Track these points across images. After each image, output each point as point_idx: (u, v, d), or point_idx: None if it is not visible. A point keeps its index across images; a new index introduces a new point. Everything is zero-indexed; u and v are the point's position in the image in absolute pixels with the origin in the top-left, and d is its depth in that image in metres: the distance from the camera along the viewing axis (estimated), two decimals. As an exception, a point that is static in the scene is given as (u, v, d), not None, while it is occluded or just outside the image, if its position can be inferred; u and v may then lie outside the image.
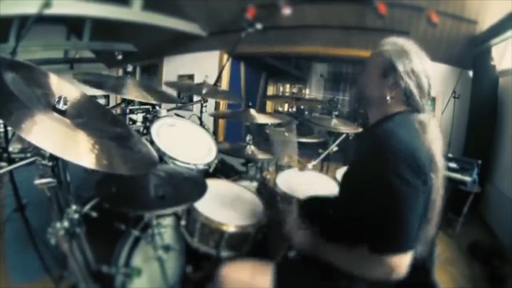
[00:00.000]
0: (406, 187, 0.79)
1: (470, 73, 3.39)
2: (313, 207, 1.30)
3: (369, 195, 0.85)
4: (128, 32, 4.39)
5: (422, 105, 0.93)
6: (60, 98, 0.87)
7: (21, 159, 1.15)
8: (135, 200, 1.09)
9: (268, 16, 3.53)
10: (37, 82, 0.94)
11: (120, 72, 5.44)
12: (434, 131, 0.91)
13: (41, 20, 2.23)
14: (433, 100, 3.66)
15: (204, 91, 2.02)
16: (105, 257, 1.17)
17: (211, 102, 2.44)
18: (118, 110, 2.05)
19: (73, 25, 4.40)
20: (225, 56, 4.62)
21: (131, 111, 2.11)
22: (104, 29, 4.10)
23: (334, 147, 2.24)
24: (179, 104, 2.18)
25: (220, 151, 1.75)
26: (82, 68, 5.31)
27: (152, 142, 1.45)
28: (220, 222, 1.21)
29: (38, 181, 0.92)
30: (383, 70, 0.95)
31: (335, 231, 0.97)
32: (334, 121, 2.25)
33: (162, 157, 1.41)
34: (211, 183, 1.29)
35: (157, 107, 1.80)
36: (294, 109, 3.12)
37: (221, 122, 4.96)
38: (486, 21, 2.97)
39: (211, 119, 2.65)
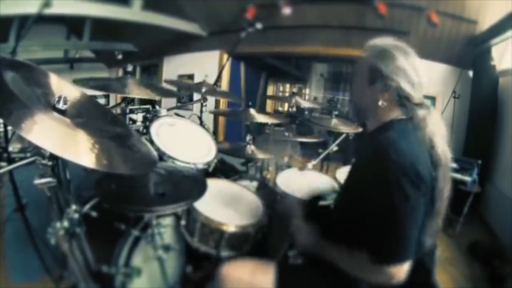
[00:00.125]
0: (406, 201, 0.79)
1: (470, 73, 3.39)
2: (317, 210, 1.30)
3: (369, 207, 0.85)
4: (128, 32, 4.39)
5: (417, 99, 0.92)
6: (60, 97, 0.87)
7: (21, 158, 1.15)
8: (135, 198, 1.09)
9: (268, 16, 3.53)
10: (37, 81, 0.94)
11: (120, 72, 5.45)
12: (435, 123, 0.90)
13: (41, 20, 2.24)
14: (433, 100, 3.66)
15: (203, 90, 2.02)
16: (105, 257, 1.17)
17: (211, 102, 2.44)
18: (118, 110, 2.05)
19: (73, 25, 4.40)
20: (225, 56, 4.62)
21: (131, 111, 2.11)
22: (104, 29, 4.11)
23: (334, 147, 2.24)
24: (179, 104, 2.18)
25: (220, 151, 1.75)
26: (82, 68, 5.31)
27: (151, 142, 1.45)
28: (220, 222, 1.21)
29: (38, 181, 0.92)
30: (369, 77, 0.94)
31: (337, 235, 0.97)
32: (334, 121, 2.25)
33: (162, 156, 1.41)
34: (211, 182, 1.29)
35: (157, 107, 1.80)
36: (294, 109, 3.12)
37: (221, 122, 4.96)
38: (486, 21, 2.97)
39: (211, 118, 2.65)
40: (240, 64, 5.35)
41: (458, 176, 2.55)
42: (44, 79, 0.98)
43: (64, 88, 1.02)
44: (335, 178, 1.81)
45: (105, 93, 5.18)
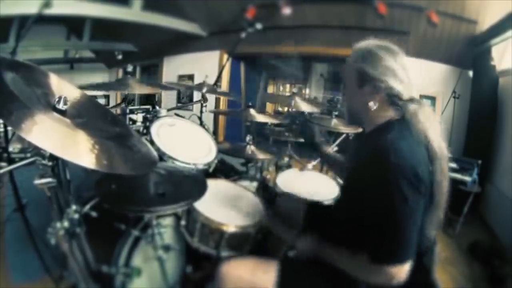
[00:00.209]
0: (405, 203, 0.79)
1: (470, 73, 3.39)
2: (315, 215, 1.30)
3: (368, 207, 0.85)
4: (128, 32, 4.39)
5: (408, 96, 0.92)
6: (60, 98, 0.87)
7: (21, 159, 1.15)
8: (135, 198, 1.09)
9: (268, 16, 3.53)
10: (37, 82, 0.94)
11: (120, 72, 5.45)
12: (428, 117, 0.90)
13: (41, 20, 2.23)
14: (433, 100, 3.67)
15: (204, 90, 2.02)
16: (105, 257, 1.17)
17: (211, 102, 2.44)
18: (118, 110, 2.05)
19: (73, 25, 4.40)
20: (225, 56, 4.62)
21: (131, 111, 2.11)
22: (104, 29, 4.11)
23: (334, 147, 2.24)
24: (179, 104, 2.18)
25: (220, 151, 1.75)
26: (82, 69, 5.32)
27: (152, 142, 1.45)
28: (220, 222, 1.21)
29: (38, 181, 0.92)
30: (357, 81, 0.95)
31: (337, 236, 0.98)
32: (334, 121, 2.25)
33: (162, 156, 1.41)
34: (211, 183, 1.29)
35: (157, 107, 1.80)
36: (294, 109, 3.11)
37: (221, 122, 4.96)
38: (486, 21, 2.97)
39: (211, 119, 2.64)
40: (240, 64, 5.35)
41: (458, 176, 2.55)
42: (44, 79, 0.98)
43: (64, 88, 1.02)
44: (335, 178, 1.81)
45: (106, 93, 5.20)
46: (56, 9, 2.42)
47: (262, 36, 3.38)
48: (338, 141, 2.26)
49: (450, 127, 3.36)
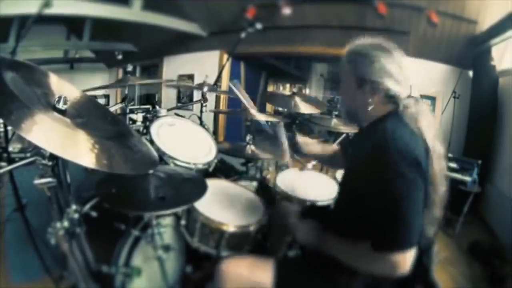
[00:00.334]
0: (404, 181, 0.79)
1: (470, 73, 3.39)
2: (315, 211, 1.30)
3: (368, 194, 0.85)
4: (128, 32, 4.39)
5: (402, 95, 0.92)
6: (60, 97, 0.87)
7: (21, 159, 1.16)
8: (135, 201, 1.09)
9: (268, 16, 3.54)
10: (37, 82, 0.94)
11: (120, 72, 5.45)
12: (426, 118, 0.90)
13: (41, 20, 2.23)
14: (433, 100, 3.67)
15: (204, 90, 2.02)
16: (105, 257, 1.17)
17: (211, 102, 2.44)
18: (118, 110, 2.05)
19: (73, 25, 4.40)
20: (225, 56, 4.62)
21: (131, 111, 2.11)
22: (104, 29, 4.11)
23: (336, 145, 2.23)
24: (179, 104, 2.18)
25: (220, 151, 1.75)
26: (82, 68, 5.32)
27: (152, 142, 1.45)
28: (220, 222, 1.21)
29: (38, 181, 0.92)
30: (356, 81, 0.95)
31: (339, 225, 0.97)
32: (334, 121, 2.26)
33: (162, 156, 1.41)
34: (211, 183, 1.29)
35: (157, 107, 1.80)
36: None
37: (221, 122, 4.96)
38: (486, 21, 2.97)
39: (211, 119, 2.65)
40: (240, 64, 5.36)
41: (458, 176, 2.55)
42: (44, 79, 0.98)
43: (64, 88, 1.02)
44: (335, 178, 1.81)
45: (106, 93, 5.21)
46: (56, 9, 2.42)
47: (262, 36, 3.38)
48: (338, 141, 2.26)
49: (450, 127, 3.37)
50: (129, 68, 1.70)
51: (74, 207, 1.03)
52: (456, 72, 3.50)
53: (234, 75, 5.10)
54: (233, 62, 4.95)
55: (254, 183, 1.77)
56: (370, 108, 0.95)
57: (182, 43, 4.70)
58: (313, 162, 1.95)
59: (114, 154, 0.87)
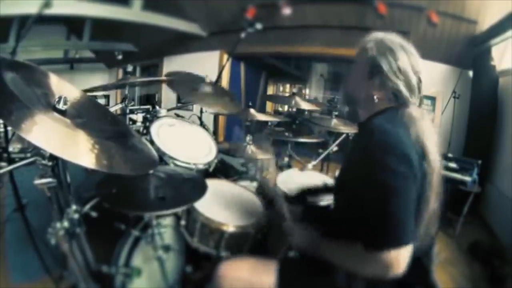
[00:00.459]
0: (395, 176, 0.77)
1: (470, 73, 3.39)
2: (310, 207, 1.30)
3: (360, 190, 0.84)
4: (128, 32, 4.39)
5: (411, 101, 0.91)
6: (60, 98, 0.87)
7: (21, 159, 1.15)
8: (135, 201, 1.09)
9: (268, 16, 3.54)
10: (37, 82, 0.94)
11: (120, 72, 5.45)
12: (427, 126, 0.88)
13: (41, 20, 2.23)
14: (433, 100, 3.67)
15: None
16: (105, 257, 1.17)
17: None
18: (118, 110, 2.05)
19: (73, 25, 4.41)
20: (225, 56, 4.62)
21: (131, 111, 2.11)
22: (104, 29, 4.11)
23: (334, 147, 2.24)
24: (179, 104, 2.18)
25: (220, 151, 1.75)
26: (82, 69, 5.32)
27: (152, 142, 1.45)
28: (220, 222, 1.21)
29: (38, 181, 0.92)
30: (368, 71, 0.93)
31: (332, 229, 0.97)
32: (334, 121, 2.25)
33: (162, 157, 1.41)
34: (211, 183, 1.29)
35: (157, 107, 1.80)
36: (294, 109, 3.11)
37: (221, 122, 4.96)
38: (486, 21, 2.97)
39: (211, 119, 2.64)
40: (240, 64, 5.36)
41: (458, 176, 2.55)
42: (44, 79, 0.99)
43: (64, 88, 1.02)
44: (335, 178, 1.81)
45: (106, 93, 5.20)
46: (56, 9, 2.42)
47: (262, 36, 3.38)
48: (338, 141, 2.26)
49: (450, 127, 3.37)
50: (129, 68, 1.70)
51: (74, 207, 1.04)
52: (456, 72, 3.50)
53: (234, 75, 5.10)
54: (233, 62, 4.96)
55: (254, 183, 1.77)
56: (372, 101, 0.94)
57: (182, 43, 4.70)
58: (313, 162, 1.95)
59: (114, 154, 0.87)
